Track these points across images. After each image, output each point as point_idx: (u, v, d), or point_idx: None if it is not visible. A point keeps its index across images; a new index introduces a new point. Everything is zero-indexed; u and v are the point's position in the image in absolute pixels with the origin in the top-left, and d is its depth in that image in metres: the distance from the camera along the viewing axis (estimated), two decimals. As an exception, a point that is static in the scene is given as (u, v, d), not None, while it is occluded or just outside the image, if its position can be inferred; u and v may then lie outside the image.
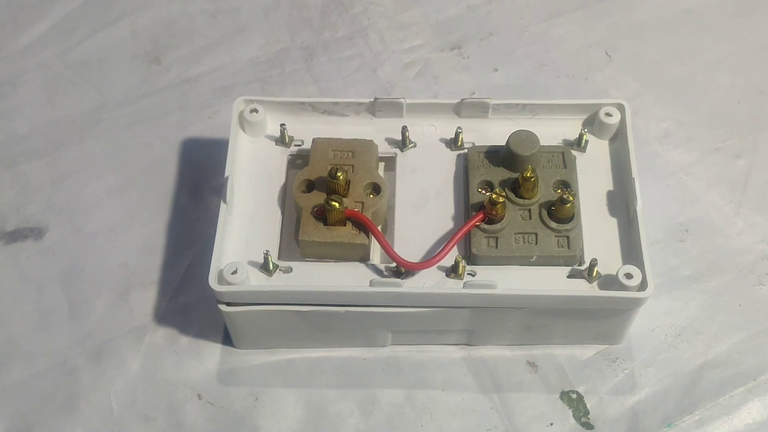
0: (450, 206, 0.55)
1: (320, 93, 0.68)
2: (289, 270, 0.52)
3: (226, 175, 0.53)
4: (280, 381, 0.55)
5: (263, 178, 0.56)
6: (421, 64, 0.70)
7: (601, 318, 0.53)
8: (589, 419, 0.54)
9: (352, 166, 0.54)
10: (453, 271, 0.52)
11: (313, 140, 0.55)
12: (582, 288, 0.51)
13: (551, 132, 0.57)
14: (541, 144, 0.54)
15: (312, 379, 0.55)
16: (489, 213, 0.52)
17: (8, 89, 0.69)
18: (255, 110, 0.56)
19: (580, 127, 0.57)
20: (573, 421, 0.54)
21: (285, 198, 0.55)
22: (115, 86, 0.69)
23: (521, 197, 0.53)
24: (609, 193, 0.55)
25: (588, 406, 0.54)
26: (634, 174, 0.53)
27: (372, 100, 0.57)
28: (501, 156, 0.54)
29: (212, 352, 0.56)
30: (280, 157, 0.56)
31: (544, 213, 0.52)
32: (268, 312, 0.51)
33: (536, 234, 0.52)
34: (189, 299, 0.58)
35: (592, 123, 0.57)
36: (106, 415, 0.54)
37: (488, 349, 0.56)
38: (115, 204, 0.62)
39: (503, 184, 0.53)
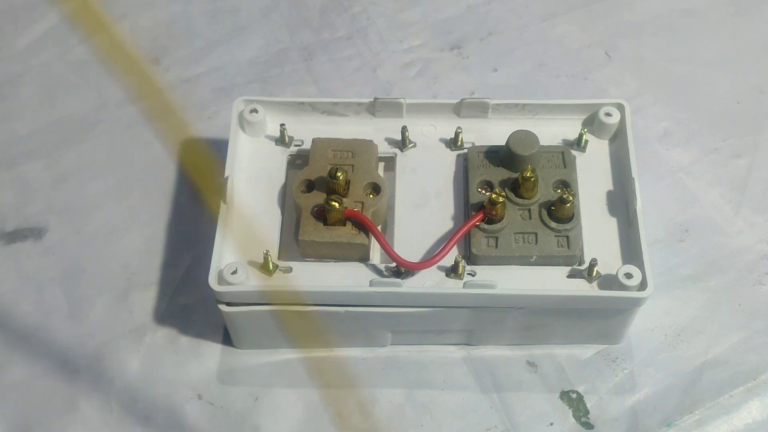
0: (450, 206, 0.55)
1: (320, 93, 0.68)
2: (289, 270, 0.52)
3: (226, 175, 0.53)
4: (280, 381, 0.55)
5: (263, 178, 0.56)
6: (421, 64, 0.70)
7: (601, 318, 0.53)
8: (589, 419, 0.54)
9: (352, 166, 0.54)
10: (453, 271, 0.52)
11: (313, 140, 0.55)
12: (582, 288, 0.51)
13: (551, 132, 0.57)
14: (541, 144, 0.54)
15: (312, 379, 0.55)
16: (489, 213, 0.52)
17: (8, 89, 0.69)
18: (255, 110, 0.56)
19: (580, 127, 0.57)
20: (573, 420, 0.54)
21: (285, 198, 0.55)
22: (115, 86, 0.69)
23: (521, 197, 0.53)
24: (609, 193, 0.55)
25: (588, 405, 0.54)
26: (634, 174, 0.53)
27: (372, 100, 0.57)
28: (501, 156, 0.54)
29: (212, 352, 0.56)
30: (280, 157, 0.56)
31: (544, 213, 0.52)
32: (268, 312, 0.51)
33: (536, 234, 0.52)
34: (189, 299, 0.58)
35: (592, 123, 0.57)
36: (106, 415, 0.54)
37: (488, 349, 0.56)
38: (115, 204, 0.62)
39: (503, 184, 0.53)
